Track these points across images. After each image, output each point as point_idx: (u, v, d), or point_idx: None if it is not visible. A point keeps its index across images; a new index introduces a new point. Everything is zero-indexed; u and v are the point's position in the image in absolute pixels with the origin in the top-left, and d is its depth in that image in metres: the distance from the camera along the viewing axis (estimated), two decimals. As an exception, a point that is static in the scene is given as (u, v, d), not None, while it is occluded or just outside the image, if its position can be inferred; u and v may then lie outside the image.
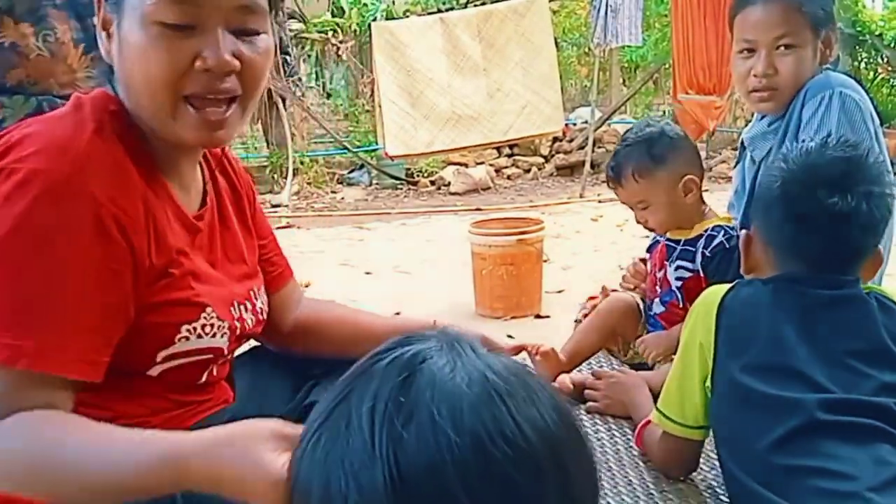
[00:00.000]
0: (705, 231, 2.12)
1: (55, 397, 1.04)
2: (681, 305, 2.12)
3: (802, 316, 1.41)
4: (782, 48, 1.95)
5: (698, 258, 2.10)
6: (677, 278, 2.14)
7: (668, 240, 2.19)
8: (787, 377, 1.36)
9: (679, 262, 2.14)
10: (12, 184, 1.04)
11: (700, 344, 1.46)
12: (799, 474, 1.28)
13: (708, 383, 1.46)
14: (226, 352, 1.30)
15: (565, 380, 2.10)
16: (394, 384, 0.70)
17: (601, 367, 2.26)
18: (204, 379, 1.30)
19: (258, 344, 1.61)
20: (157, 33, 1.09)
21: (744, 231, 1.56)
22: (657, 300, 2.21)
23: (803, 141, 1.51)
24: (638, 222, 2.19)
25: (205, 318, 1.23)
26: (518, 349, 1.66)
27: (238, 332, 1.32)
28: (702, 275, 2.10)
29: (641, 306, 2.29)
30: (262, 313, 1.41)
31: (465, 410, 0.67)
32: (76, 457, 0.98)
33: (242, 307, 1.34)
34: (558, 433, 0.70)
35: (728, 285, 1.50)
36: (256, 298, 1.40)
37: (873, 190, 1.42)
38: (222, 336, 1.27)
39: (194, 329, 1.21)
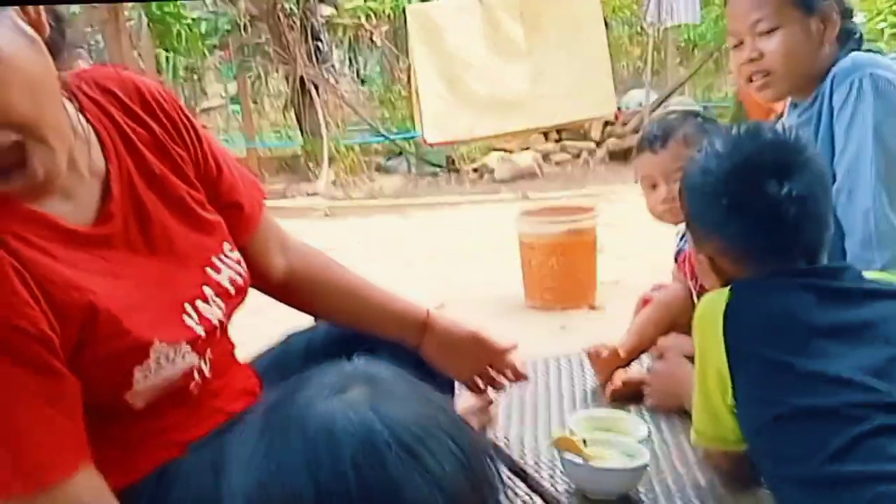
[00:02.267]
0: None
1: (84, 491, 1.08)
2: None
3: (823, 313, 1.39)
4: (763, 33, 1.94)
5: None
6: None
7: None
8: (829, 383, 1.33)
9: None
10: None
11: (716, 367, 1.44)
12: (866, 481, 1.25)
13: (730, 401, 1.44)
14: (199, 360, 1.24)
15: (616, 378, 2.06)
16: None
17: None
18: (192, 389, 1.26)
19: (290, 333, 1.59)
20: None
21: (700, 256, 1.54)
22: None
23: (707, 146, 1.50)
24: (661, 202, 2.10)
25: (154, 353, 1.15)
26: (509, 350, 1.65)
27: (205, 334, 1.24)
28: None
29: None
30: (232, 284, 1.30)
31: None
32: None
33: (201, 302, 1.24)
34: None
35: (725, 292, 1.46)
36: (219, 272, 1.29)
37: (811, 160, 1.43)
38: (184, 357, 1.19)
39: (149, 368, 1.15)
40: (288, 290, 1.53)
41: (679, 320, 2.24)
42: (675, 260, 2.24)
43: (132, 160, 1.21)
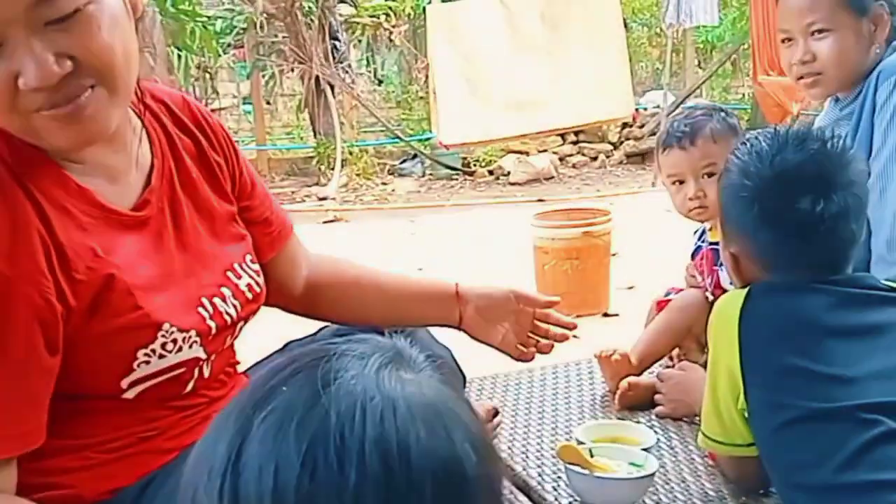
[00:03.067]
0: None
1: None
2: None
3: (837, 317, 1.40)
4: (816, 34, 1.97)
5: None
6: (731, 283, 2.06)
7: (711, 244, 2.12)
8: (842, 386, 1.33)
9: None
10: None
11: (728, 369, 1.44)
12: (878, 489, 1.25)
13: (741, 404, 1.44)
14: (204, 357, 1.25)
15: (625, 384, 2.05)
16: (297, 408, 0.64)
17: (670, 367, 2.20)
18: (190, 387, 1.27)
19: (290, 342, 1.58)
20: None
21: (727, 252, 1.55)
22: None
23: (751, 144, 1.49)
24: (690, 199, 2.09)
25: (162, 336, 1.17)
26: (550, 304, 1.64)
27: (215, 330, 1.26)
28: None
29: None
30: (250, 290, 1.35)
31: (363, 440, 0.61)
32: None
33: (218, 299, 1.28)
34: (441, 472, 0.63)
35: (741, 293, 1.46)
36: (239, 277, 1.33)
37: (852, 179, 1.42)
38: (191, 346, 1.21)
39: (153, 351, 1.16)
40: (314, 301, 1.55)
41: (694, 326, 2.23)
42: (692, 257, 2.22)
43: (174, 163, 1.29)
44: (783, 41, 2.05)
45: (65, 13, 1.03)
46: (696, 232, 2.26)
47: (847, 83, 2.00)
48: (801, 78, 2.03)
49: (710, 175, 2.04)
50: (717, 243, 2.10)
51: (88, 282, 1.10)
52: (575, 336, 2.32)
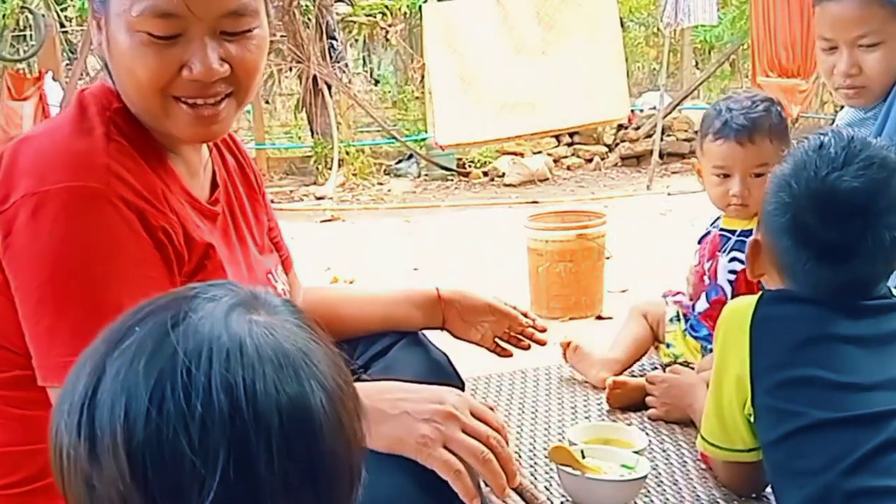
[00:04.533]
0: None
1: None
2: (728, 301, 2.00)
3: (849, 326, 1.39)
4: (864, 46, 1.93)
5: None
6: (730, 271, 2.05)
7: (721, 229, 2.11)
8: (853, 394, 1.34)
9: (734, 254, 2.04)
10: (50, 208, 1.11)
11: (736, 376, 1.44)
12: (882, 495, 1.26)
13: (748, 410, 1.44)
14: None
15: (610, 381, 2.08)
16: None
17: (655, 369, 2.22)
18: None
19: None
20: (142, 41, 1.16)
21: (750, 241, 1.53)
22: (703, 296, 2.12)
23: (822, 143, 1.41)
24: (734, 196, 2.05)
25: None
26: (523, 324, 1.76)
27: None
28: None
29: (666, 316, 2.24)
30: (285, 295, 1.45)
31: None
32: None
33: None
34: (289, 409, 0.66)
35: (752, 299, 1.46)
36: (276, 281, 1.45)
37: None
38: None
39: None
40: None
41: (659, 331, 2.27)
42: (700, 242, 2.22)
43: (226, 174, 1.43)
44: (825, 49, 2.00)
45: (240, 30, 1.20)
46: (711, 217, 2.25)
47: (887, 91, 1.96)
48: (843, 88, 1.99)
49: (759, 175, 1.97)
50: (727, 229, 2.09)
51: (196, 245, 1.23)
52: (568, 338, 2.35)
